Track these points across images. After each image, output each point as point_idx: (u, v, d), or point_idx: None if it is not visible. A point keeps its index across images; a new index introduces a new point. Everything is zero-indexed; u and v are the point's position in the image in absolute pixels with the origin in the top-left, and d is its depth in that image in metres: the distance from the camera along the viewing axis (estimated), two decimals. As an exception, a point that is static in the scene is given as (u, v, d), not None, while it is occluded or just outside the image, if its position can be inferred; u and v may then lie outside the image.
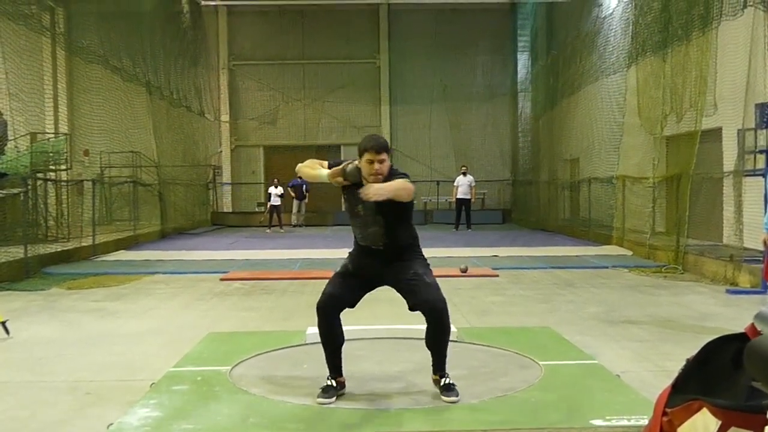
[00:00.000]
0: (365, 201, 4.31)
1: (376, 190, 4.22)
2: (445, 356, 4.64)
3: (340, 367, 4.73)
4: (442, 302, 4.50)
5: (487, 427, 4.07)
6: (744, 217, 11.31)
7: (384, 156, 4.50)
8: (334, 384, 4.66)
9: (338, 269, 4.80)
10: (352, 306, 4.71)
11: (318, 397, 4.56)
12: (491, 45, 28.36)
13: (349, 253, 4.85)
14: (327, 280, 4.79)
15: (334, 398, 4.59)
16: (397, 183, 4.42)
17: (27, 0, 14.88)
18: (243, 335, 6.89)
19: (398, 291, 4.69)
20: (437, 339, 4.59)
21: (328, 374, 4.69)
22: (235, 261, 14.03)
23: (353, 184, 4.50)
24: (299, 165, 4.86)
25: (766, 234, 7.56)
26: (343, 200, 4.77)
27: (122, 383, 5.46)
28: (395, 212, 4.55)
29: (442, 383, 4.60)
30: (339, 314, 4.64)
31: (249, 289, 10.46)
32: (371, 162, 4.46)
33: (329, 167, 4.66)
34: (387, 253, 4.65)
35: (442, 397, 4.55)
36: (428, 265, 4.77)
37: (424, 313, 4.52)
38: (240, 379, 5.06)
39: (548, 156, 24.18)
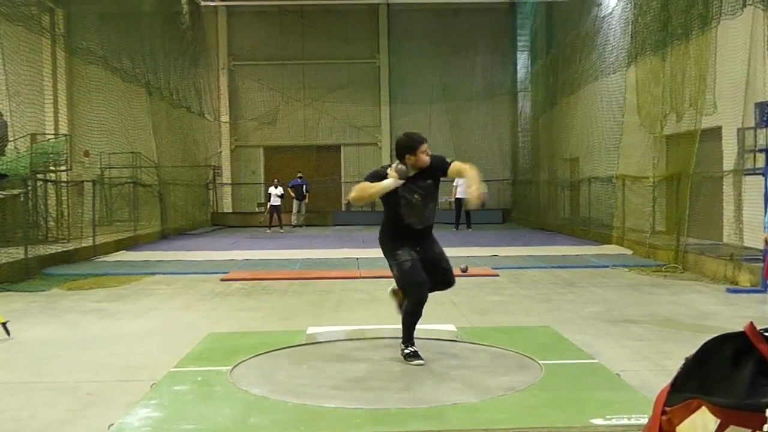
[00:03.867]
0: (420, 190, 5.37)
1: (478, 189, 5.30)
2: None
3: None
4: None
5: (487, 427, 4.07)
6: (744, 216, 11.32)
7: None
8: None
9: (404, 256, 5.37)
10: None
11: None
12: (491, 44, 28.36)
13: (396, 244, 5.46)
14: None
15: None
16: (472, 171, 5.47)
17: (26, 1, 14.89)
18: (243, 335, 6.90)
19: (431, 263, 5.46)
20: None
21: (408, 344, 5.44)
22: (235, 261, 14.03)
23: (405, 179, 5.35)
24: (354, 195, 5.52)
25: (766, 233, 7.57)
26: (385, 198, 5.43)
27: (123, 384, 5.47)
28: (436, 195, 5.62)
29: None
30: None
31: (249, 290, 10.46)
32: (425, 153, 5.38)
33: (371, 180, 5.43)
34: (428, 230, 5.58)
35: None
36: None
37: (443, 284, 5.59)
38: (240, 380, 5.07)
39: (548, 155, 24.18)
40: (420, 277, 5.35)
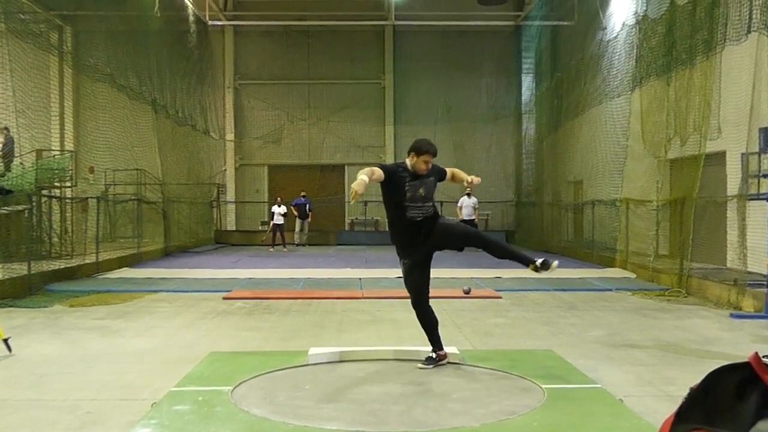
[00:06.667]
0: (426, 184, 5.89)
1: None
2: (516, 254, 5.90)
3: (440, 341, 6.08)
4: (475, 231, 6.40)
5: (489, 452, 4.05)
6: (747, 241, 11.30)
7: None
8: (434, 356, 6.03)
9: (404, 267, 5.97)
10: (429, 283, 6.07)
11: (420, 365, 5.96)
12: (496, 67, 28.52)
13: (400, 245, 5.97)
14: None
15: (432, 366, 5.94)
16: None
17: (35, 18, 15.03)
18: (245, 355, 6.88)
19: (443, 239, 5.93)
20: (504, 251, 5.96)
21: (432, 349, 6.05)
22: (237, 280, 14.02)
23: (413, 175, 5.91)
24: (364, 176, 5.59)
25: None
26: (390, 195, 5.90)
27: (123, 402, 5.45)
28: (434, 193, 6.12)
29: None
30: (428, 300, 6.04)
31: (251, 309, 10.44)
32: (426, 163, 5.91)
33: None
34: (428, 219, 5.88)
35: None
36: None
37: (469, 244, 6.08)
38: (241, 400, 5.05)
39: (552, 178, 24.20)
40: (410, 284, 6.00)
